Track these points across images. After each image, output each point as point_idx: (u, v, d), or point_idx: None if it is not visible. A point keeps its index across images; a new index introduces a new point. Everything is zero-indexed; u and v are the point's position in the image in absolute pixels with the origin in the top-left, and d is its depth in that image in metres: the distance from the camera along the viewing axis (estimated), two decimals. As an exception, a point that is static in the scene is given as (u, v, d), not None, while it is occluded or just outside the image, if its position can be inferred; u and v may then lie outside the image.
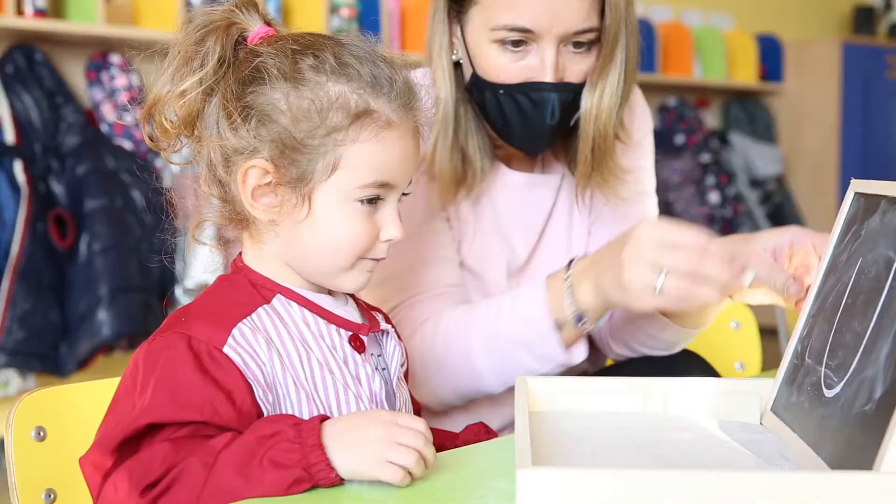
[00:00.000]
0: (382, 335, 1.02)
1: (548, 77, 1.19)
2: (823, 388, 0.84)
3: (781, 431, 0.90)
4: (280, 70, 0.91)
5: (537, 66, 1.19)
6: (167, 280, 3.05)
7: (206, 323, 0.90)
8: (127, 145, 3.09)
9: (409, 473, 0.79)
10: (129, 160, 3.02)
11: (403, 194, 0.97)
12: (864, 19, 5.77)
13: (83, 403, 1.08)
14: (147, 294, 2.96)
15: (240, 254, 1.00)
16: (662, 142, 4.76)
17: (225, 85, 0.93)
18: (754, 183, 5.13)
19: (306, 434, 0.80)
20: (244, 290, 0.95)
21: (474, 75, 1.23)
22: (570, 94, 1.21)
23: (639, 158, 1.37)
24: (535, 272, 1.34)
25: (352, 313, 1.00)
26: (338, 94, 0.91)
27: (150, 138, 0.98)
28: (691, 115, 4.91)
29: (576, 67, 1.21)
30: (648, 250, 1.01)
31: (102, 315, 2.81)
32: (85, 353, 2.84)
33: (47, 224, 2.85)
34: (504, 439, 0.97)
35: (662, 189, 4.65)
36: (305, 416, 0.90)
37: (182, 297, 3.07)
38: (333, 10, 3.53)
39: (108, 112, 3.10)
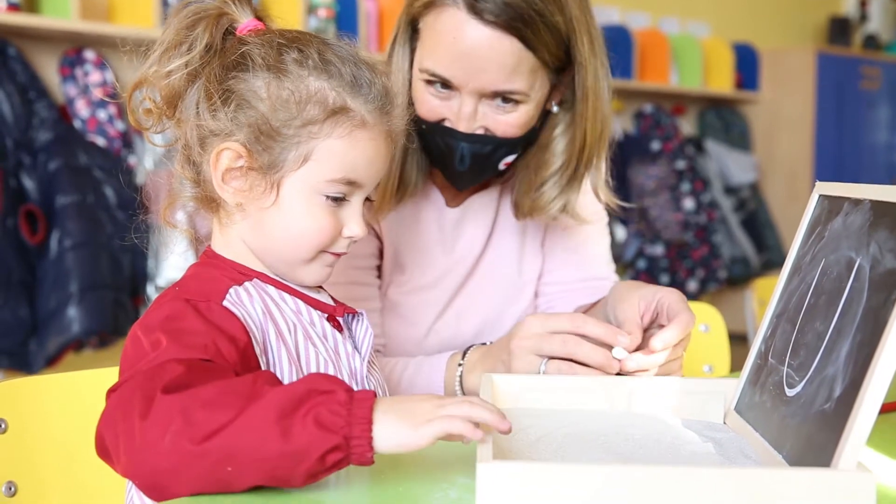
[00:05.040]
0: (355, 318, 1.04)
1: (460, 127, 1.20)
2: (785, 387, 0.85)
3: (744, 430, 0.90)
4: (264, 59, 0.94)
5: (455, 112, 1.20)
6: (139, 277, 3.04)
7: (199, 288, 0.92)
8: (100, 142, 3.06)
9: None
10: (101, 157, 3.00)
11: (367, 199, 0.99)
12: (839, 30, 5.83)
13: (46, 396, 1.08)
14: (118, 291, 2.94)
15: (208, 246, 1.01)
16: (638, 148, 4.78)
17: (209, 70, 0.95)
18: (729, 190, 5.17)
19: (358, 404, 0.75)
20: (225, 271, 0.97)
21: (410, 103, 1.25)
22: (488, 146, 1.21)
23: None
24: (479, 285, 1.39)
25: (326, 299, 1.02)
26: (317, 88, 0.94)
27: (133, 118, 1.00)
28: (667, 121, 4.93)
29: (500, 119, 1.20)
30: (532, 341, 1.09)
31: (73, 312, 2.79)
32: (54, 349, 2.81)
33: (18, 219, 2.83)
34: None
35: (638, 195, 4.67)
36: None
37: (154, 295, 3.05)
38: (311, 10, 3.52)
39: (81, 108, 3.08)
